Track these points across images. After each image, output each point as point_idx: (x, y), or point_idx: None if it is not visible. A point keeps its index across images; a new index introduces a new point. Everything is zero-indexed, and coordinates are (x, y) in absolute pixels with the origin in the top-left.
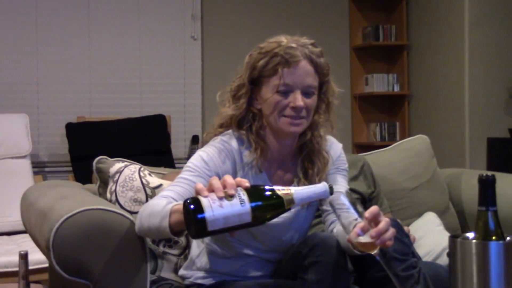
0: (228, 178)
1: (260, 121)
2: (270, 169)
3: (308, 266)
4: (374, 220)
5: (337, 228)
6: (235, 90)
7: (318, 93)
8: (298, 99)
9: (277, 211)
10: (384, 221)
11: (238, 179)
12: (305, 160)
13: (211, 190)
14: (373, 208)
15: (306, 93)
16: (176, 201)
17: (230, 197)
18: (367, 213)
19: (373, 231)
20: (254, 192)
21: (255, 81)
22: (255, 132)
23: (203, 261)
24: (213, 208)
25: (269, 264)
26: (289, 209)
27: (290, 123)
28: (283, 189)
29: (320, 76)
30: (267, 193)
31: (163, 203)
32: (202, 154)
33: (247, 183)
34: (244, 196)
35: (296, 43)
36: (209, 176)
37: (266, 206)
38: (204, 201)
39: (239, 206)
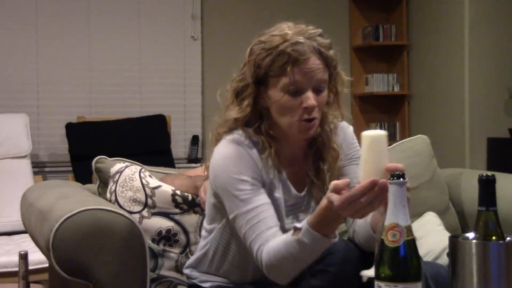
0: None
1: (269, 120)
2: (285, 168)
3: (316, 273)
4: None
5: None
6: (238, 90)
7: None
8: (310, 98)
9: None
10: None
11: None
12: (316, 157)
13: None
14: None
15: (317, 90)
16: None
17: None
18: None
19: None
20: None
21: (261, 80)
22: (265, 132)
23: (211, 265)
24: None
25: None
26: None
27: (304, 129)
28: None
29: (330, 69)
30: None
31: (288, 243)
32: (232, 175)
33: None
34: None
35: (303, 37)
36: (260, 184)
37: None
38: None
39: None
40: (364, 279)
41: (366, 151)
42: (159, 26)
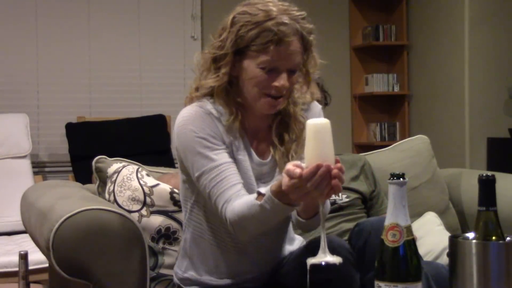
0: None
1: (236, 87)
2: (248, 135)
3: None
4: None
5: None
6: (217, 57)
7: None
8: (284, 79)
9: None
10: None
11: None
12: (280, 126)
13: None
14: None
15: (291, 71)
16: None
17: None
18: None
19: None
20: None
21: (240, 51)
22: (232, 99)
23: (192, 252)
24: None
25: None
26: None
27: (270, 104)
28: None
29: (306, 52)
30: None
31: (253, 203)
32: (191, 134)
33: None
34: None
35: (288, 17)
36: (222, 143)
37: None
38: None
39: None
40: (308, 266)
41: (310, 139)
42: (159, 26)
